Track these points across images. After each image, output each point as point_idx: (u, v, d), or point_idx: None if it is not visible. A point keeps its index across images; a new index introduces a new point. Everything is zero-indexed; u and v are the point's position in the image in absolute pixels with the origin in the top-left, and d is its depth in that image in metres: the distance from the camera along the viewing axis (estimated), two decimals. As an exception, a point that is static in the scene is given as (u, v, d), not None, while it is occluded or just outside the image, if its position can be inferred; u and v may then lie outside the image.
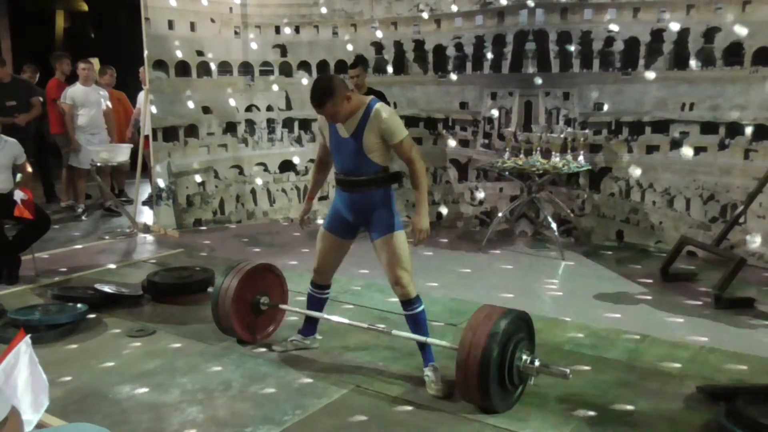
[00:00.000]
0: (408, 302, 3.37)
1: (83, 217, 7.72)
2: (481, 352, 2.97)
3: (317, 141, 3.63)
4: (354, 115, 3.35)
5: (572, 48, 6.46)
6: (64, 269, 5.57)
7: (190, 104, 7.20)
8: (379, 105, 3.35)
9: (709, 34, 5.76)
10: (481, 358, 2.96)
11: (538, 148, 6.22)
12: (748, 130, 5.61)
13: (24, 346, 1.67)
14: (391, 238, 3.40)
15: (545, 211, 6.37)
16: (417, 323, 3.41)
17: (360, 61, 6.90)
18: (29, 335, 1.68)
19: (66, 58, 8.21)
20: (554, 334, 4.10)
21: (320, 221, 3.83)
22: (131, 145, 7.35)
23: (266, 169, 7.71)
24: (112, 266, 5.71)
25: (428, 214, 3.41)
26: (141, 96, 7.98)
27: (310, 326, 3.90)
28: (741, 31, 5.58)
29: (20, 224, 5.24)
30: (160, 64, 6.99)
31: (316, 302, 3.83)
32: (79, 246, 6.49)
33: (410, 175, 3.42)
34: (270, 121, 7.71)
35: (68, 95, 7.60)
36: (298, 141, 7.83)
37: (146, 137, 7.11)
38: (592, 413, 3.12)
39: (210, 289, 4.42)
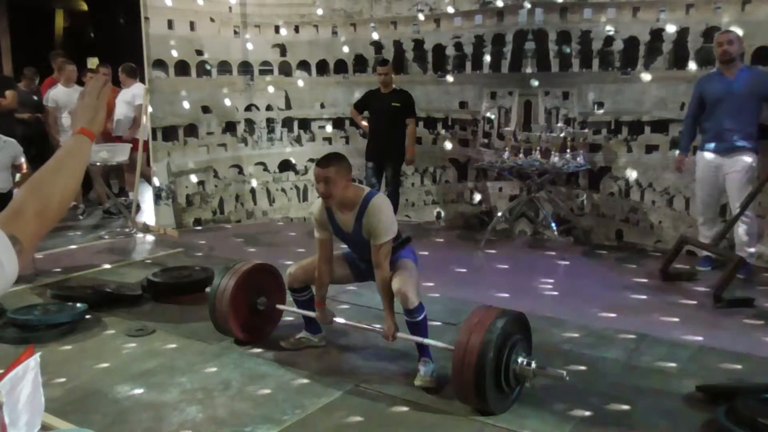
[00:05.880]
0: (409, 311, 3.38)
1: (80, 216, 7.71)
2: (477, 354, 2.97)
3: (317, 236, 3.58)
4: (351, 211, 3.41)
5: (569, 49, 6.46)
6: (64, 269, 5.57)
7: (189, 103, 7.20)
8: (375, 201, 3.36)
9: (709, 33, 5.75)
10: (477, 360, 2.96)
11: (538, 148, 6.22)
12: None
13: (33, 363, 1.66)
14: (402, 262, 3.48)
15: (544, 210, 6.37)
16: (417, 329, 3.42)
17: (388, 60, 6.96)
18: (39, 353, 1.66)
19: (62, 58, 8.17)
20: (553, 333, 4.10)
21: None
22: (131, 145, 7.35)
23: (266, 169, 7.72)
24: (112, 266, 5.71)
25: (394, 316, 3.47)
26: (127, 93, 7.87)
27: (314, 324, 3.90)
28: (740, 30, 5.57)
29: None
30: (159, 64, 6.99)
31: (304, 304, 3.84)
32: (79, 245, 6.49)
33: (376, 278, 3.46)
34: (269, 121, 7.72)
35: (51, 97, 7.55)
36: (298, 140, 7.83)
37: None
38: (590, 413, 3.12)
39: (209, 289, 4.41)
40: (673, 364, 3.65)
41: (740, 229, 5.17)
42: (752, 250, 5.19)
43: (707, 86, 5.23)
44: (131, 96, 7.62)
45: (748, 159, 5.07)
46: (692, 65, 5.87)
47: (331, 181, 3.32)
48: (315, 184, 3.45)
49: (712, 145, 5.21)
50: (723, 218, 5.64)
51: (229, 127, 7.51)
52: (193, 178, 7.29)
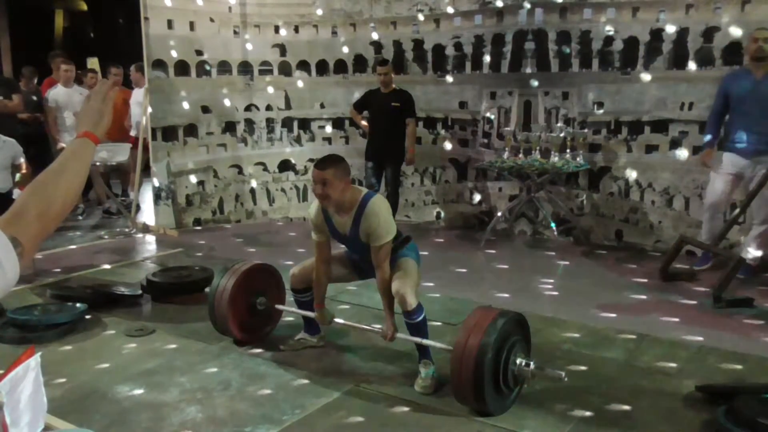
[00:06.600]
0: (408, 312, 3.37)
1: (80, 217, 7.71)
2: (475, 354, 2.96)
3: (314, 238, 3.58)
4: (348, 213, 3.40)
5: (569, 50, 6.46)
6: (63, 269, 5.57)
7: (189, 103, 7.20)
8: (372, 204, 3.35)
9: (708, 33, 5.76)
10: (475, 361, 2.96)
11: (538, 148, 6.23)
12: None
13: (33, 363, 1.65)
14: (403, 260, 3.48)
15: (544, 210, 6.37)
16: (416, 330, 3.41)
17: (388, 60, 6.97)
18: (39, 353, 1.65)
19: (60, 58, 8.18)
20: (552, 333, 4.10)
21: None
22: (130, 145, 7.35)
23: (265, 169, 7.72)
24: (111, 266, 5.71)
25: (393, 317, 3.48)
26: (139, 93, 7.95)
27: (313, 325, 3.90)
28: (740, 30, 5.57)
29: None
30: (159, 64, 6.99)
31: (306, 305, 3.84)
32: (78, 245, 6.49)
33: (376, 278, 3.46)
34: (269, 121, 7.72)
35: (51, 97, 7.57)
36: (298, 140, 7.83)
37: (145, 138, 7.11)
38: (590, 413, 3.12)
39: (208, 289, 4.41)
40: (673, 364, 3.65)
41: (752, 232, 5.15)
42: (758, 254, 5.17)
43: (733, 84, 5.10)
44: (142, 96, 7.63)
45: None
46: (692, 65, 5.87)
47: (328, 183, 3.29)
48: (312, 186, 3.45)
49: (736, 145, 5.08)
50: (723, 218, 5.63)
51: (229, 127, 7.51)
52: (193, 178, 7.29)
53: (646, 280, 5.23)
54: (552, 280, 5.32)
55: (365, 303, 4.63)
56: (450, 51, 7.17)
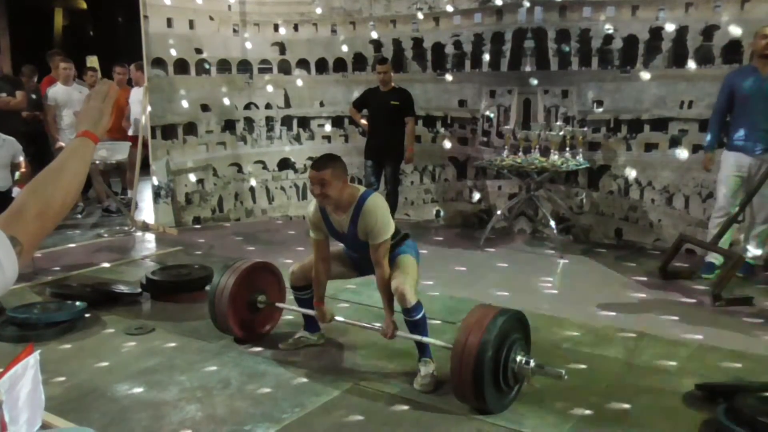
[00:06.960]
0: (407, 310, 3.37)
1: (79, 215, 7.71)
2: (475, 352, 2.96)
3: (312, 236, 3.59)
4: (346, 212, 3.40)
5: (568, 48, 6.45)
6: (63, 267, 5.57)
7: (189, 102, 7.19)
8: (370, 202, 3.35)
9: (708, 31, 5.76)
10: (475, 359, 2.96)
11: (537, 146, 6.22)
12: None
13: (32, 361, 1.65)
14: (402, 258, 3.48)
15: (544, 209, 6.37)
16: (416, 328, 3.41)
17: (388, 59, 6.96)
18: (38, 351, 1.65)
19: (59, 56, 8.16)
20: (552, 332, 4.10)
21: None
22: (130, 143, 7.34)
23: (265, 167, 7.72)
24: (111, 264, 5.71)
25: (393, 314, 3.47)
26: (138, 92, 7.95)
27: (313, 323, 3.90)
28: (739, 29, 5.57)
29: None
30: (158, 62, 6.99)
31: (306, 303, 3.84)
32: (78, 244, 6.49)
33: (376, 276, 3.47)
34: (269, 119, 7.72)
35: (50, 96, 7.57)
36: (297, 139, 7.83)
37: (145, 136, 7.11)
38: (590, 412, 3.12)
39: (208, 287, 4.41)
40: (673, 363, 3.65)
41: (753, 231, 5.14)
42: (758, 252, 5.16)
43: (738, 81, 5.03)
44: (141, 94, 7.63)
45: None
46: (691, 64, 5.87)
47: (327, 183, 3.29)
48: (310, 187, 3.44)
49: (740, 144, 5.03)
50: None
51: (229, 126, 7.51)
52: (192, 177, 7.28)
53: (645, 279, 5.23)
54: (551, 279, 5.32)
55: (365, 301, 4.63)
56: (449, 49, 7.17)
